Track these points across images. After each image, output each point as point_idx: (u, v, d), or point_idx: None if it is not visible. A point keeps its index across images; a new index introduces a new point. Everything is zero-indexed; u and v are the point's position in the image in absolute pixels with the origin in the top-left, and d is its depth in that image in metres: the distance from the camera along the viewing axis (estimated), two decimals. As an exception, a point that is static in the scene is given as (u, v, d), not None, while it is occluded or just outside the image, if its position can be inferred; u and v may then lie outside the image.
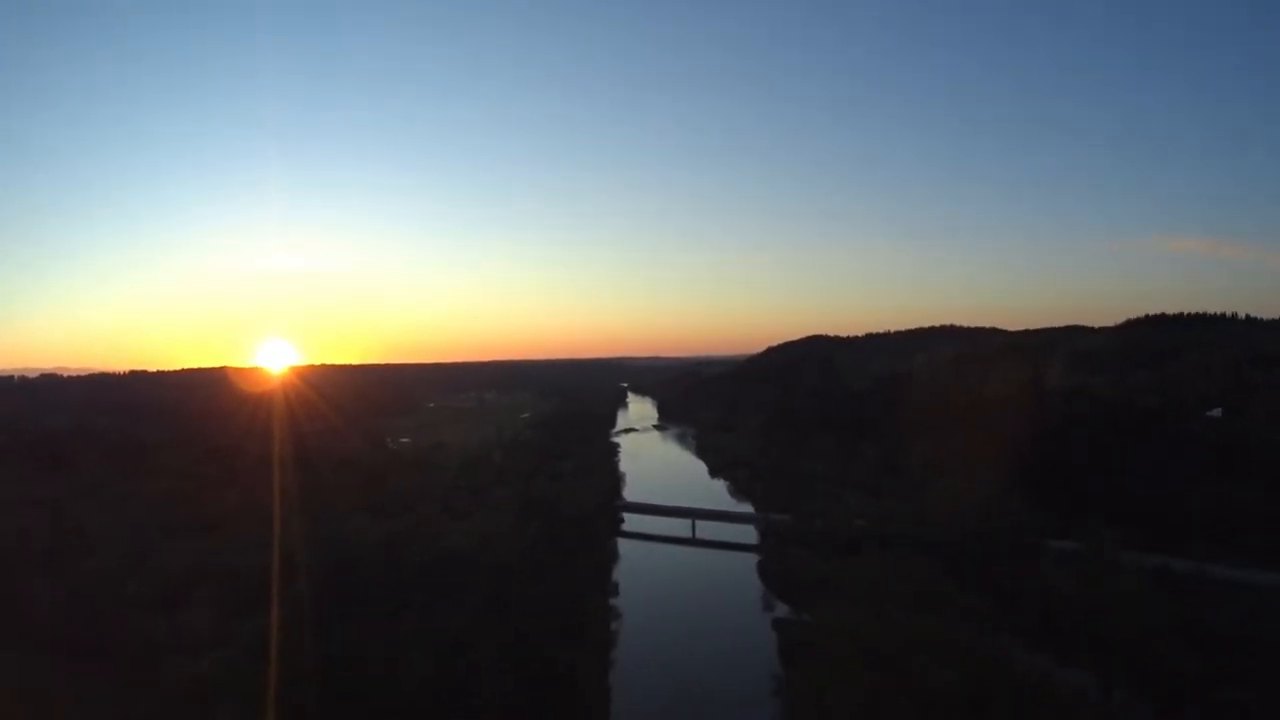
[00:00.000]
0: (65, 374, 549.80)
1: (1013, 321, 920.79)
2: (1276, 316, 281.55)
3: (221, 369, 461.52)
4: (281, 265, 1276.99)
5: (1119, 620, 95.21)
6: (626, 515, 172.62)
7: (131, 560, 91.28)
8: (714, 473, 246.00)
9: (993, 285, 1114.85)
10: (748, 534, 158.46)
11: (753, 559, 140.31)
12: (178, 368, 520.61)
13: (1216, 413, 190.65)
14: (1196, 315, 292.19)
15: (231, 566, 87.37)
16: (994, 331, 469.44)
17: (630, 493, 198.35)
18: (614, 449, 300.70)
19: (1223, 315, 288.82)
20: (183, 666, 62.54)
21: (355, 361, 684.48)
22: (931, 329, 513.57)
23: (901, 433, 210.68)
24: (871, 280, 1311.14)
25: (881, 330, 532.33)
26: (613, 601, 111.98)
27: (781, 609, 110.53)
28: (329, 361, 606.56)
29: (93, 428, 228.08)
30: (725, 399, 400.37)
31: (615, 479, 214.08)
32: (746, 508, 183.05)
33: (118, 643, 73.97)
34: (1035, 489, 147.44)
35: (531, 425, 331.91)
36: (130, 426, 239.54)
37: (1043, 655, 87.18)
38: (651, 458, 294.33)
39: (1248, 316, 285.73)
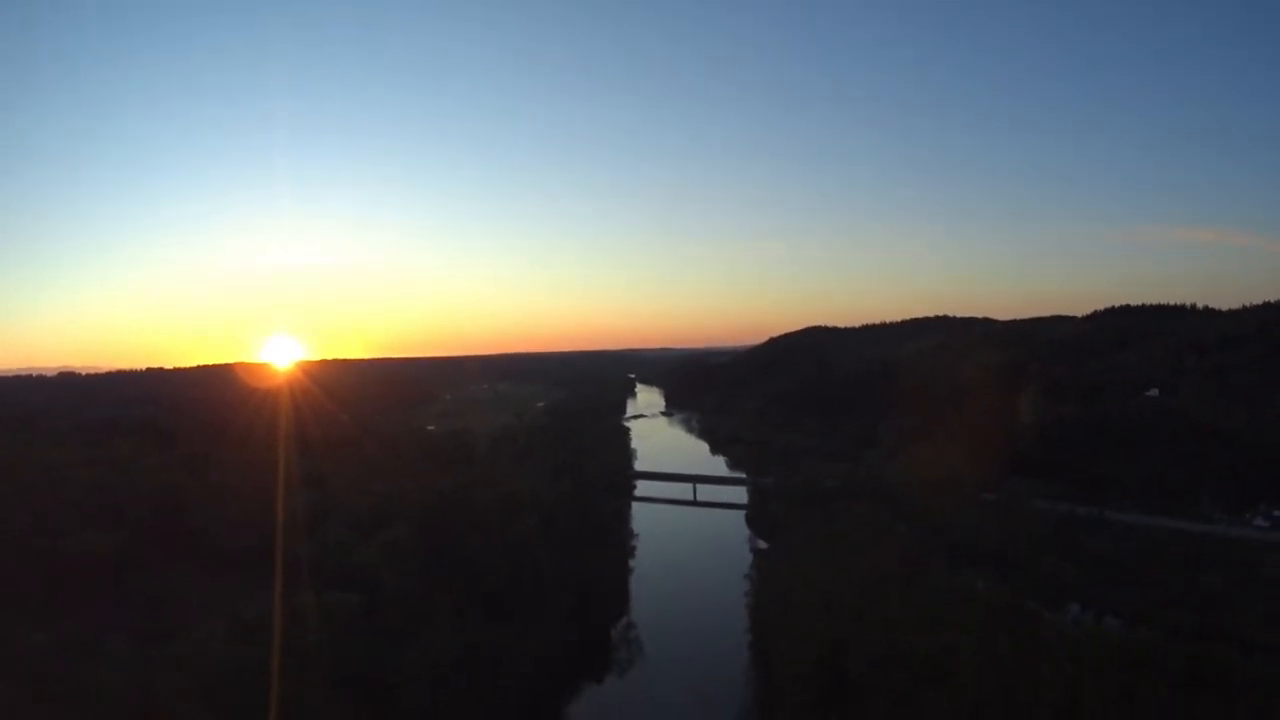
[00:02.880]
0: (82, 372, 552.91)
1: (1009, 311, 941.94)
2: (1239, 306, 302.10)
3: (235, 365, 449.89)
4: (286, 261, 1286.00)
5: (1020, 546, 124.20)
6: (638, 482, 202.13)
7: (267, 503, 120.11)
8: (714, 449, 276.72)
9: (991, 276, 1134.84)
10: (741, 496, 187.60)
11: (744, 514, 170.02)
12: (192, 364, 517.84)
13: (1154, 393, 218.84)
14: (1157, 306, 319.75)
15: (347, 506, 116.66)
16: (985, 321, 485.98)
17: (640, 465, 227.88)
18: (625, 431, 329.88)
19: (1181, 306, 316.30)
20: (342, 560, 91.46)
21: (364, 356, 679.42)
22: (925, 319, 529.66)
23: (878, 413, 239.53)
24: (871, 273, 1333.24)
25: (877, 321, 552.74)
26: (629, 539, 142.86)
27: (760, 543, 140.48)
28: (339, 356, 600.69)
29: (143, 417, 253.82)
30: (727, 386, 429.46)
31: (627, 454, 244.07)
32: (740, 475, 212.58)
33: (273, 557, 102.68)
34: (983, 453, 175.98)
35: (547, 412, 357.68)
36: (175, 416, 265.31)
37: (955, 566, 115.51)
38: (659, 437, 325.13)
39: (1206, 307, 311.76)
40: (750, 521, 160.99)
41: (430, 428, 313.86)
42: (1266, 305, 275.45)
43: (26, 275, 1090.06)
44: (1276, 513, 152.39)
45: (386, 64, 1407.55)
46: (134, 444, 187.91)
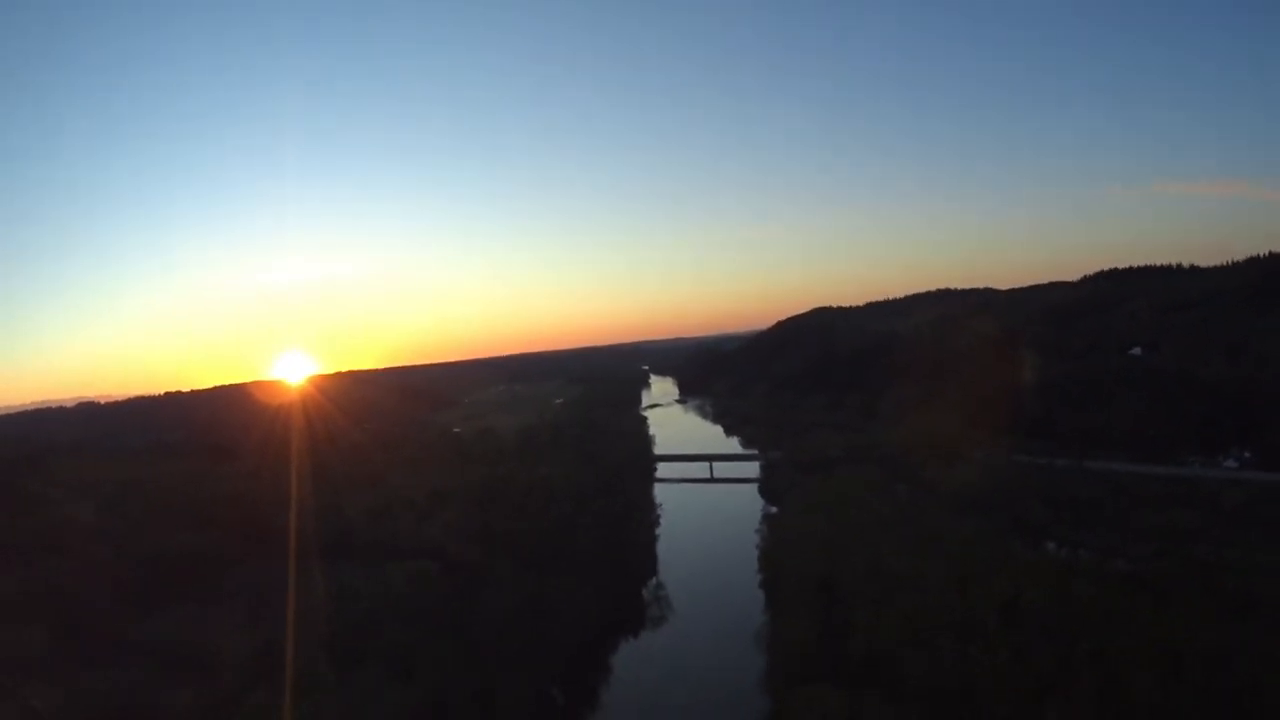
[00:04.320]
0: (100, 401, 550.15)
1: (1013, 279, 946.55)
2: (1227, 261, 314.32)
3: (252, 384, 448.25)
4: (291, 277, 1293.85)
5: (1002, 495, 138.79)
6: (658, 464, 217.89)
7: (338, 500, 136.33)
8: (729, 431, 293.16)
9: (994, 246, 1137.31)
10: (754, 471, 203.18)
11: (756, 486, 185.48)
12: (209, 386, 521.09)
13: (1137, 350, 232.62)
14: (1144, 267, 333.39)
15: (407, 498, 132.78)
16: (987, 291, 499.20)
17: (660, 450, 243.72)
18: (642, 420, 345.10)
19: (1167, 266, 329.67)
20: (411, 537, 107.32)
21: (377, 366, 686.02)
22: (928, 293, 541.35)
23: (881, 385, 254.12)
24: (875, 250, 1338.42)
25: (881, 298, 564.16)
26: (654, 513, 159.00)
27: (771, 508, 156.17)
28: (352, 368, 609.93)
29: (187, 437, 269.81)
30: (738, 371, 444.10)
31: (646, 441, 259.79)
32: (753, 452, 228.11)
33: (350, 542, 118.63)
34: (975, 416, 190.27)
35: (566, 408, 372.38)
36: (215, 435, 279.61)
37: (946, 509, 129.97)
38: (675, 424, 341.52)
39: (1192, 265, 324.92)
40: (762, 491, 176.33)
41: (456, 430, 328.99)
42: (1250, 260, 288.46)
43: (33, 309, 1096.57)
44: (1246, 454, 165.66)
45: (386, 67, 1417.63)
46: (194, 461, 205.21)
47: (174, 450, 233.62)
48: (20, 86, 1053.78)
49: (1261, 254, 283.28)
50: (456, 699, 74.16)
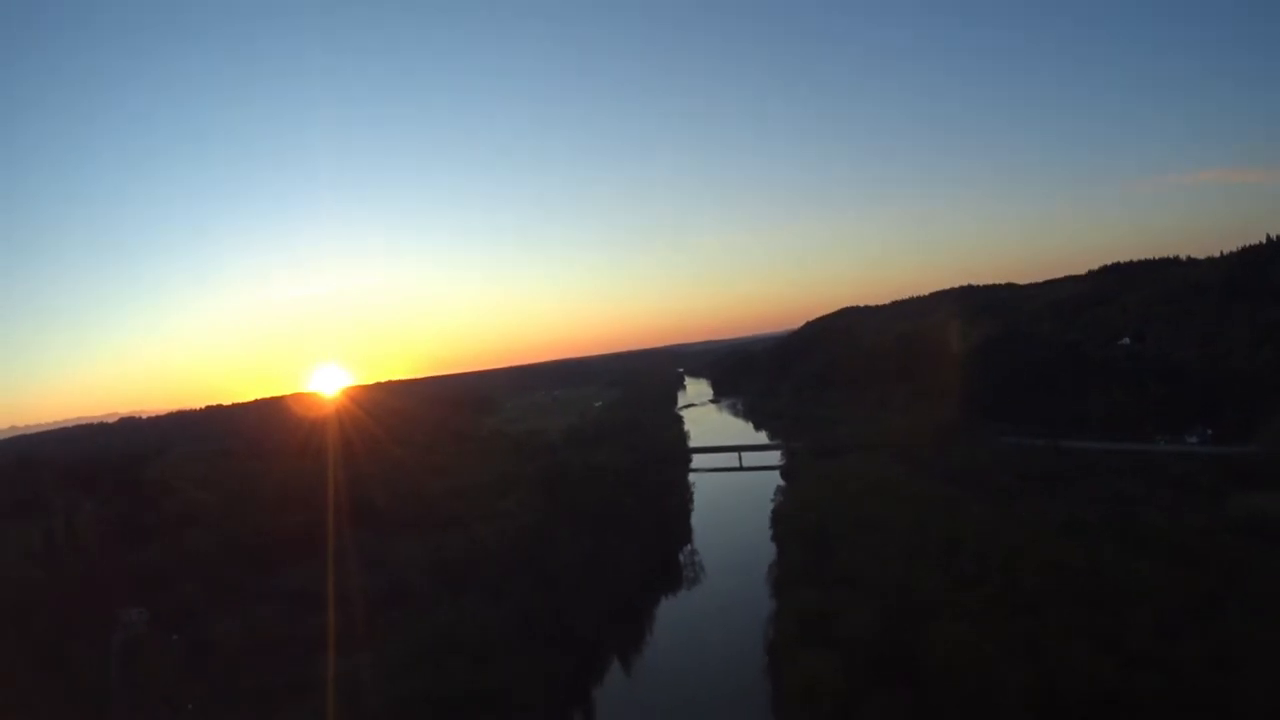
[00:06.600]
0: (142, 416, 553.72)
1: (1033, 273, 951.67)
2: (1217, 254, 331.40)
3: (291, 396, 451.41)
4: (322, 289, 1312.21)
5: (982, 469, 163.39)
6: (693, 456, 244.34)
7: (416, 484, 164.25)
8: (758, 427, 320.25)
9: (1017, 241, 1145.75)
10: (778, 460, 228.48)
11: (779, 473, 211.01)
12: (250, 399, 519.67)
13: (1125, 341, 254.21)
14: (1143, 261, 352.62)
15: (475, 484, 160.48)
16: (1008, 287, 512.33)
17: (694, 443, 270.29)
18: (678, 418, 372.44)
19: (1165, 259, 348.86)
20: (488, 509, 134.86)
21: (413, 376, 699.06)
22: (949, 290, 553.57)
23: (894, 381, 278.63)
24: (904, 248, 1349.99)
25: (907, 296, 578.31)
26: (689, 494, 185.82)
27: (788, 486, 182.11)
28: (388, 378, 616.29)
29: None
30: (768, 370, 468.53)
31: (682, 436, 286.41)
32: (777, 443, 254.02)
33: (436, 514, 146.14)
34: (971, 404, 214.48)
35: (606, 410, 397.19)
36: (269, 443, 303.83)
37: (931, 481, 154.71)
38: (709, 422, 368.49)
39: (1189, 257, 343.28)
40: (784, 476, 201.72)
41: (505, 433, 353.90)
42: (1243, 250, 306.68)
43: (68, 327, 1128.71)
44: (1209, 431, 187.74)
45: (416, 78, 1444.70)
46: (267, 462, 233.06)
47: (239, 456, 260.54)
48: (57, 109, 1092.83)
49: (1245, 245, 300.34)
50: (538, 616, 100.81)
